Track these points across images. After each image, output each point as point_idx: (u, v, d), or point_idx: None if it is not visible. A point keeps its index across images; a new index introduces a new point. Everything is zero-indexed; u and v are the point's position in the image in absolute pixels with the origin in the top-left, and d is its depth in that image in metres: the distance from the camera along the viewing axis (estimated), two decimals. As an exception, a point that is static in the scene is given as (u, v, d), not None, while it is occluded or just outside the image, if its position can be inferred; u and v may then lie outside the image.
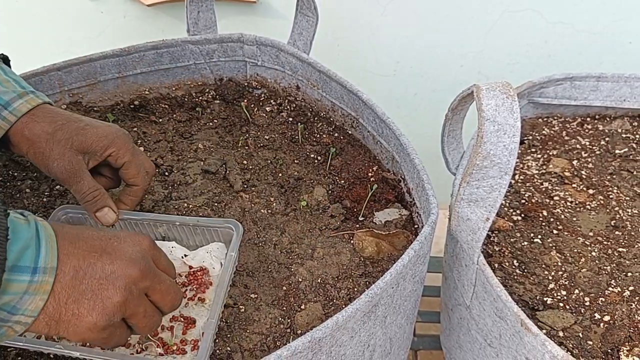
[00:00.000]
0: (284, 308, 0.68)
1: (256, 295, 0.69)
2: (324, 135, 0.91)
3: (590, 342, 0.67)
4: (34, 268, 0.48)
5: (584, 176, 0.87)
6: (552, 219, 0.81)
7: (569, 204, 0.83)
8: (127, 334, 0.56)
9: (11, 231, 0.47)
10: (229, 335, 0.65)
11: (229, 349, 0.63)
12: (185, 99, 0.96)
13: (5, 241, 0.45)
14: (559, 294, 0.72)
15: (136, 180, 0.70)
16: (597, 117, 0.97)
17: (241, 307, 0.67)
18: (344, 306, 0.63)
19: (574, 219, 0.81)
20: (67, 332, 0.51)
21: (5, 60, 0.73)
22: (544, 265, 0.75)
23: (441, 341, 0.96)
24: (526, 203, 0.83)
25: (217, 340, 0.64)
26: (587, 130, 0.95)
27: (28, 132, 0.66)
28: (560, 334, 0.68)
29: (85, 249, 0.52)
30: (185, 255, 0.70)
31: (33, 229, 0.49)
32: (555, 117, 0.97)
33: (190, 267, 0.69)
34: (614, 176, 0.87)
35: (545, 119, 0.97)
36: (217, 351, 0.63)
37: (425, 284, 1.11)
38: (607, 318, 0.69)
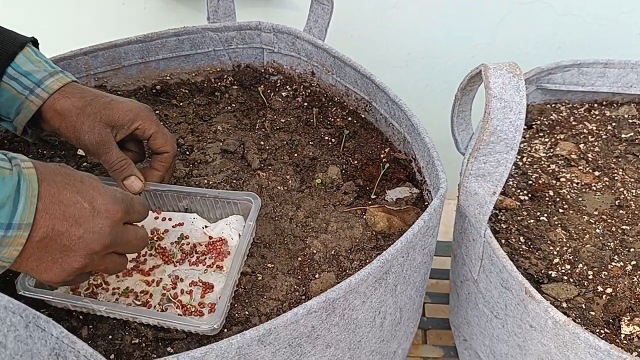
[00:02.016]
0: (299, 277, 0.71)
1: (273, 265, 0.72)
2: (338, 119, 0.94)
3: (593, 313, 0.70)
4: (8, 224, 0.50)
5: (590, 159, 0.89)
6: (558, 199, 0.84)
7: (575, 184, 0.86)
8: (88, 277, 0.62)
9: None
10: (247, 301, 0.68)
11: (247, 313, 0.67)
12: (205, 85, 1.00)
13: None
14: (563, 268, 0.75)
15: (165, 147, 0.74)
16: (604, 103, 0.99)
17: (259, 275, 0.71)
18: (356, 276, 0.66)
19: (580, 199, 0.84)
20: (41, 277, 0.56)
21: (35, 43, 0.77)
22: (549, 242, 0.78)
23: (450, 320, 0.99)
24: (533, 184, 0.86)
25: (235, 305, 0.68)
26: (594, 116, 0.98)
27: (60, 107, 0.70)
28: (564, 304, 0.71)
29: (60, 215, 0.54)
30: (206, 227, 0.74)
31: (14, 182, 0.51)
32: (563, 103, 1.00)
33: (210, 238, 0.73)
34: (620, 159, 0.89)
35: (553, 105, 1.00)
36: (236, 315, 0.67)
37: (435, 267, 1.15)
38: (609, 290, 0.72)
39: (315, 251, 0.74)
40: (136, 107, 0.72)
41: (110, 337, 0.65)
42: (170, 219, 0.76)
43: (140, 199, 0.65)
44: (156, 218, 0.76)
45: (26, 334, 0.44)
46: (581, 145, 0.92)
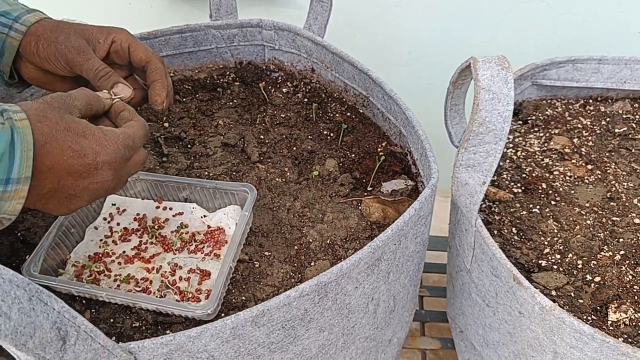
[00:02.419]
0: (295, 264, 0.73)
1: (270, 253, 0.74)
2: (337, 115, 0.96)
3: (581, 300, 0.72)
4: (6, 179, 0.51)
5: (583, 153, 0.91)
6: (550, 191, 0.85)
7: (567, 178, 0.87)
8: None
9: None
10: (244, 287, 0.70)
11: (243, 298, 0.69)
12: (207, 81, 1.03)
13: None
14: (553, 257, 0.77)
15: (150, 56, 0.72)
16: (599, 98, 1.01)
17: (256, 262, 0.73)
18: (350, 264, 0.68)
19: (572, 191, 0.85)
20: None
21: None
22: (540, 232, 0.80)
23: (447, 312, 1.01)
24: (527, 177, 0.88)
25: (233, 291, 0.70)
26: (589, 111, 0.99)
27: (35, 30, 0.70)
28: (553, 293, 0.73)
29: (64, 172, 0.56)
30: (205, 216, 0.77)
31: (8, 137, 0.51)
32: (559, 99, 1.02)
33: (209, 227, 0.76)
34: (613, 153, 0.91)
35: (548, 101, 1.01)
36: (233, 300, 0.69)
37: (433, 261, 1.17)
38: (597, 279, 0.74)
39: (311, 240, 0.76)
40: (111, 26, 0.73)
41: (111, 320, 0.67)
42: (170, 209, 0.78)
43: (141, 123, 0.65)
44: (157, 207, 0.78)
45: (29, 307, 0.46)
46: (575, 140, 0.93)
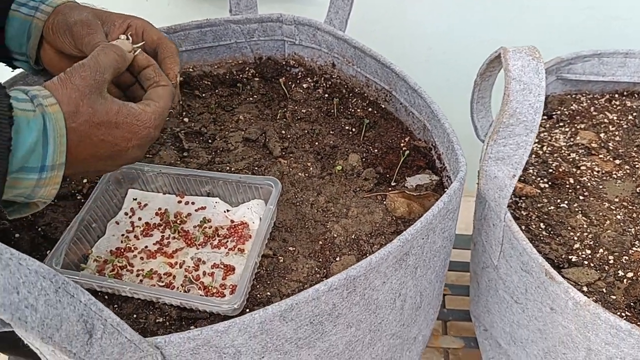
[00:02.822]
0: (320, 260, 0.72)
1: (294, 248, 0.73)
2: (358, 110, 0.95)
3: (614, 297, 0.70)
4: (42, 167, 0.52)
5: (610, 148, 0.89)
6: (578, 186, 0.84)
7: (595, 173, 0.86)
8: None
9: (15, 134, 0.49)
10: (268, 282, 0.69)
11: (268, 293, 0.68)
12: (227, 77, 1.02)
13: (7, 153, 0.49)
14: (583, 253, 0.75)
15: (162, 38, 0.70)
16: (625, 93, 0.99)
17: (280, 257, 0.72)
18: (376, 259, 0.67)
19: (600, 186, 0.84)
20: None
21: None
22: (569, 227, 0.78)
23: (470, 311, 0.99)
24: (553, 172, 0.86)
25: (257, 286, 0.69)
26: (615, 106, 0.97)
27: (58, 10, 0.69)
28: (585, 288, 0.71)
29: (96, 158, 0.57)
30: (228, 211, 0.75)
31: (40, 124, 0.51)
32: (584, 94, 1.00)
33: (232, 221, 0.74)
34: (641, 148, 0.89)
35: (573, 95, 1.00)
36: (258, 295, 0.68)
37: (455, 259, 1.15)
38: (630, 275, 0.72)
39: (335, 235, 0.75)
40: (131, 15, 0.72)
41: (134, 316, 0.66)
42: (193, 203, 0.77)
43: (169, 91, 0.64)
44: (179, 202, 0.77)
45: (55, 299, 0.45)
46: (602, 135, 0.92)
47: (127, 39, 0.67)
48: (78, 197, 0.79)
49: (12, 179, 0.51)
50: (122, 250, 0.72)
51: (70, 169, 0.55)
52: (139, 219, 0.76)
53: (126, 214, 0.76)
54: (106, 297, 0.68)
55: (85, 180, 0.81)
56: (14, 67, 0.75)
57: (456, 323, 1.11)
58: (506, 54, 0.64)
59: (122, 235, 0.74)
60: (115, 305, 0.68)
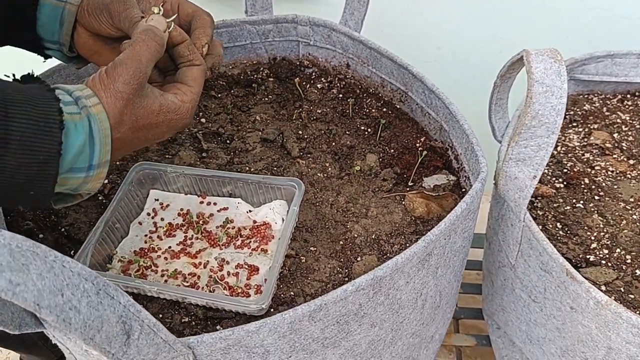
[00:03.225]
0: (342, 260, 0.73)
1: (315, 249, 0.74)
2: (373, 110, 0.96)
3: (632, 296, 0.71)
4: (89, 166, 0.53)
5: (624, 148, 0.90)
6: (593, 186, 0.85)
7: (609, 173, 0.87)
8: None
9: (65, 137, 0.50)
10: (292, 282, 0.70)
11: (292, 293, 0.69)
12: (241, 77, 1.02)
13: (58, 156, 0.50)
14: (601, 252, 0.76)
15: (197, 10, 0.70)
16: (637, 93, 1.00)
17: (302, 257, 0.73)
18: (397, 259, 0.68)
19: (615, 186, 0.85)
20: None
21: None
22: (586, 227, 0.79)
23: (483, 309, 1.00)
24: (568, 172, 0.87)
25: (281, 286, 0.69)
26: (627, 106, 0.98)
27: None
28: (603, 288, 0.72)
29: (133, 148, 0.60)
30: (250, 211, 0.76)
31: (86, 127, 0.52)
32: (596, 94, 1.01)
33: (254, 222, 0.75)
34: (654, 148, 0.90)
35: (586, 96, 1.01)
36: (282, 295, 0.69)
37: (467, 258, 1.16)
38: (648, 274, 0.73)
39: (356, 235, 0.76)
40: None
41: (160, 315, 0.67)
42: (215, 204, 0.78)
43: (202, 70, 0.65)
44: (201, 202, 0.78)
45: (97, 301, 0.46)
46: (615, 135, 0.93)
47: (159, 11, 0.64)
48: (99, 198, 0.80)
49: (60, 179, 0.52)
50: (146, 251, 0.73)
51: (113, 159, 0.57)
52: (162, 219, 0.76)
53: (148, 214, 0.77)
54: (131, 297, 0.69)
55: (106, 181, 0.82)
56: (46, 57, 0.75)
57: (467, 321, 1.12)
58: (529, 57, 0.65)
59: (145, 235, 0.75)
60: (141, 305, 0.68)
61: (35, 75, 0.57)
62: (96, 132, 0.53)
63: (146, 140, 0.60)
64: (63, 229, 0.76)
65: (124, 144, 0.57)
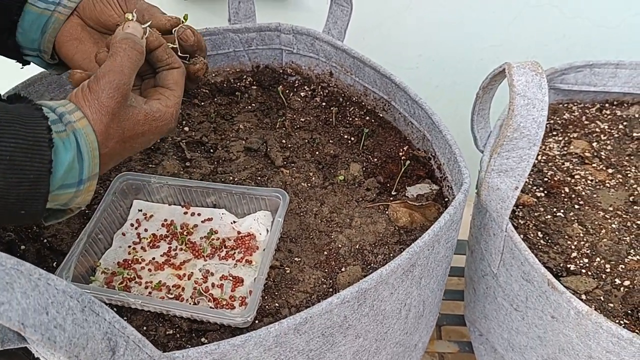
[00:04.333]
0: (326, 270, 0.73)
1: (300, 259, 0.74)
2: (356, 119, 0.96)
3: (612, 304, 0.72)
4: (79, 181, 0.54)
5: (603, 157, 0.92)
6: (573, 195, 0.86)
7: (589, 181, 0.88)
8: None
9: (54, 156, 0.51)
10: (276, 293, 0.70)
11: (277, 305, 0.69)
12: (224, 85, 1.02)
13: (49, 175, 0.50)
14: (581, 261, 0.77)
15: (171, 18, 0.69)
16: (615, 103, 1.02)
17: (286, 268, 0.73)
18: (381, 269, 0.68)
19: (594, 195, 0.86)
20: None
21: None
22: (566, 236, 0.80)
23: (465, 315, 1.01)
24: (549, 181, 0.88)
25: (265, 297, 0.69)
26: (605, 116, 1.00)
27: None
28: (583, 297, 0.73)
29: (121, 157, 0.60)
30: (234, 222, 0.76)
31: (73, 142, 0.53)
32: (575, 103, 1.02)
33: (239, 233, 0.75)
34: (632, 157, 0.92)
35: (565, 105, 1.02)
36: (267, 307, 0.69)
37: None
38: (627, 283, 0.74)
39: (340, 245, 0.76)
40: None
41: (144, 328, 0.67)
42: (199, 214, 0.78)
43: (181, 72, 0.65)
44: (185, 213, 0.78)
45: (82, 318, 0.45)
46: (594, 144, 0.94)
47: (133, 17, 0.63)
48: (82, 208, 0.79)
49: (51, 196, 0.52)
50: (130, 262, 0.72)
51: (101, 171, 0.58)
52: (145, 230, 0.76)
53: (132, 225, 0.77)
54: (114, 309, 0.69)
55: (88, 191, 0.81)
56: (25, 63, 0.74)
57: (449, 327, 1.13)
58: (511, 70, 0.66)
59: (129, 246, 0.74)
60: (125, 318, 0.68)
61: (21, 95, 0.56)
62: (83, 146, 0.53)
63: (132, 149, 0.61)
64: (45, 240, 0.75)
65: (112, 157, 0.58)
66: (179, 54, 0.67)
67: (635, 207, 0.83)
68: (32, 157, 0.49)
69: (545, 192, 0.87)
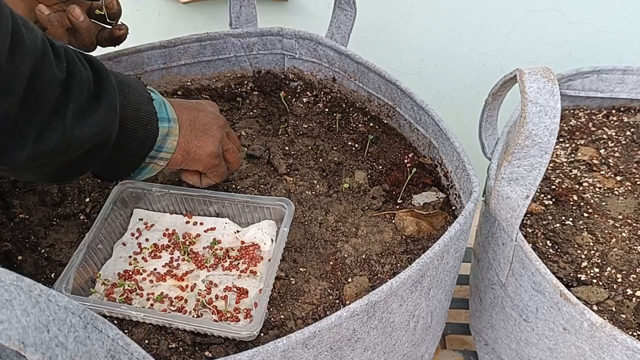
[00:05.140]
0: (332, 281, 0.71)
1: (305, 269, 0.72)
2: (360, 125, 0.95)
3: (624, 315, 0.71)
4: (168, 118, 0.67)
5: (611, 164, 0.90)
6: (582, 203, 0.84)
7: (597, 189, 0.87)
8: (226, 168, 0.77)
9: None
10: (282, 305, 0.68)
11: (282, 317, 0.67)
12: (225, 90, 1.01)
13: (152, 100, 0.67)
14: (592, 271, 0.75)
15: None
16: (622, 109, 1.01)
17: (292, 279, 0.71)
18: (388, 280, 0.66)
19: (603, 203, 0.84)
20: (194, 161, 0.71)
21: None
22: (576, 245, 0.79)
23: (470, 325, 0.99)
24: (556, 188, 0.87)
25: (271, 309, 0.68)
26: (612, 122, 0.99)
27: None
28: (595, 307, 0.72)
29: (187, 108, 0.72)
30: (238, 232, 0.74)
31: (157, 93, 0.68)
32: (582, 109, 1.01)
33: (242, 242, 0.73)
34: (640, 164, 0.90)
35: (572, 111, 1.01)
36: (272, 319, 0.67)
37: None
38: (639, 293, 0.72)
39: (346, 255, 0.74)
40: None
41: (146, 341, 0.65)
42: (202, 224, 0.76)
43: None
44: (187, 222, 0.76)
45: (85, 335, 0.44)
46: (602, 151, 0.93)
47: None
48: (81, 217, 0.78)
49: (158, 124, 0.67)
50: (131, 273, 0.70)
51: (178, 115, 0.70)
52: (146, 240, 0.74)
53: (132, 234, 0.75)
54: (115, 322, 0.67)
55: (87, 200, 0.79)
56: None
57: (454, 336, 1.11)
58: (522, 76, 0.64)
59: (130, 257, 0.72)
60: (126, 331, 0.66)
61: None
62: (161, 97, 0.69)
63: (191, 106, 0.74)
64: (43, 250, 0.74)
65: (176, 104, 0.71)
66: (107, 19, 0.79)
67: (645, 216, 0.82)
68: (139, 88, 0.66)
69: (554, 200, 0.85)
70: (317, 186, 0.83)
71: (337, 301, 0.69)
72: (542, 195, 0.86)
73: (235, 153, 0.77)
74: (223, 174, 0.76)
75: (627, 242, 0.78)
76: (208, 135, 0.72)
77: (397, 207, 0.81)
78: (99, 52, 0.91)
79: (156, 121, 0.66)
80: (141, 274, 0.70)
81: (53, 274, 0.71)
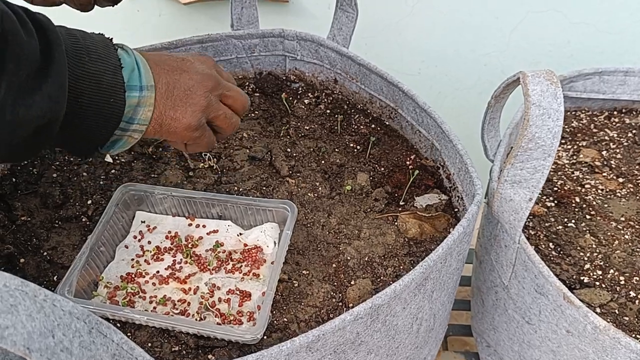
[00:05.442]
0: (335, 283, 0.71)
1: (308, 272, 0.72)
2: (362, 126, 0.94)
3: (627, 318, 0.71)
4: (140, 86, 0.60)
5: (613, 166, 0.90)
6: (584, 205, 0.84)
7: (600, 191, 0.86)
8: (213, 137, 0.69)
9: (120, 58, 0.60)
10: (285, 308, 0.68)
11: (285, 320, 0.67)
12: (227, 92, 1.00)
13: (120, 68, 0.59)
14: (594, 273, 0.75)
15: None
16: (624, 110, 1.00)
17: (295, 282, 0.71)
18: (391, 282, 0.66)
19: (606, 205, 0.84)
20: (169, 134, 0.64)
21: None
22: (578, 247, 0.79)
23: (472, 326, 0.99)
24: (559, 190, 0.87)
25: (274, 312, 0.67)
26: (614, 123, 0.99)
27: None
28: (598, 310, 0.72)
29: (169, 69, 0.64)
30: (240, 234, 0.74)
31: (132, 56, 0.61)
32: (583, 111, 1.01)
33: (245, 245, 0.73)
34: (642, 166, 0.90)
35: (573, 112, 1.01)
36: (275, 322, 0.67)
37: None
38: (642, 296, 0.72)
39: (349, 257, 0.74)
40: None
41: (149, 344, 0.65)
42: (204, 226, 0.76)
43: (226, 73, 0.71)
44: (190, 225, 0.76)
45: (89, 340, 0.43)
46: (604, 152, 0.93)
47: None
48: (83, 220, 0.77)
49: (125, 96, 0.59)
50: (133, 276, 0.70)
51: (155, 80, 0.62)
52: (149, 242, 0.74)
53: (135, 237, 0.75)
54: (118, 325, 0.66)
55: (90, 202, 0.79)
56: None
57: (455, 338, 1.11)
58: (525, 79, 0.64)
59: (132, 259, 0.72)
60: (128, 334, 0.66)
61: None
62: (138, 59, 0.61)
63: (175, 66, 0.65)
64: (45, 253, 0.73)
65: (157, 62, 0.63)
66: None
67: (647, 218, 0.82)
68: (107, 52, 0.59)
69: (556, 201, 0.85)
70: (319, 188, 0.83)
71: (340, 304, 0.69)
72: (544, 197, 0.86)
73: (227, 119, 0.68)
74: (208, 144, 0.68)
75: (629, 244, 0.78)
76: (188, 104, 0.63)
77: (400, 209, 0.81)
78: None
79: (122, 92, 0.59)
80: (144, 276, 0.70)
81: (55, 276, 0.71)
